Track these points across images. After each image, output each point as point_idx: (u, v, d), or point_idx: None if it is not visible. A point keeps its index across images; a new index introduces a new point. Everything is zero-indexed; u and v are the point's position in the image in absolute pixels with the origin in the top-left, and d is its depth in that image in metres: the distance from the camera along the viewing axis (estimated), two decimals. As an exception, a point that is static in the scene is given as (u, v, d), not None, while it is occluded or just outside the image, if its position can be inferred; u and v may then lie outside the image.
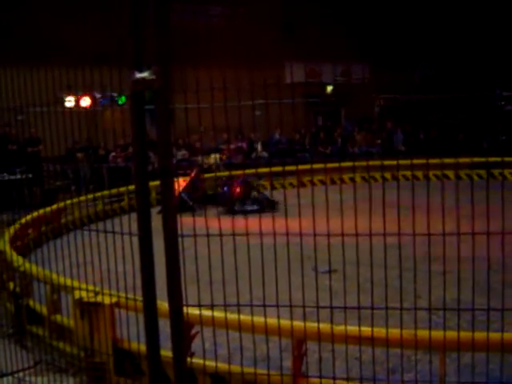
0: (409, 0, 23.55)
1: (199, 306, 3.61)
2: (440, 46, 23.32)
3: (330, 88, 25.76)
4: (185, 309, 3.19)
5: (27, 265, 6.78)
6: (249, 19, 19.62)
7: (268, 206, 13.42)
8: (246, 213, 12.14)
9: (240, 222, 3.40)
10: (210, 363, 4.19)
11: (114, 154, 18.93)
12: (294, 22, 24.08)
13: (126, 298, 4.40)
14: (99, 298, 5.33)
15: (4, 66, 4.81)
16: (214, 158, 19.48)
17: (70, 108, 5.08)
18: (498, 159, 12.49)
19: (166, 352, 3.27)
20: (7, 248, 7.89)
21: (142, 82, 2.93)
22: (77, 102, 9.81)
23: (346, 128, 26.18)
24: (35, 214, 10.29)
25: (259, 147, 21.69)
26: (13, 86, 4.70)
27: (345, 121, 28.06)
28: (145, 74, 2.94)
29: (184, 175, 15.55)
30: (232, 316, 4.02)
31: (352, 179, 15.39)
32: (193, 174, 15.58)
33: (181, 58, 3.55)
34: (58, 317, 6.40)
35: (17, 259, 7.07)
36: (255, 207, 14.39)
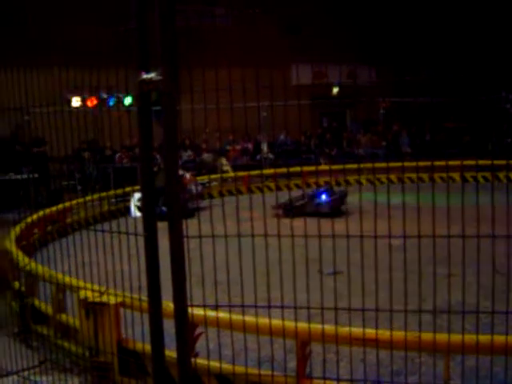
0: (416, 2, 23.51)
1: (204, 306, 3.62)
2: (447, 48, 23.29)
3: (335, 89, 25.73)
4: (190, 309, 3.20)
5: (33, 264, 6.80)
6: (255, 20, 19.61)
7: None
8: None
9: (246, 223, 3.41)
10: (215, 364, 4.20)
11: (119, 154, 18.98)
12: (300, 23, 24.09)
13: (131, 298, 4.42)
14: (104, 298, 5.34)
15: (11, 66, 4.82)
16: (223, 161, 19.42)
17: (77, 108, 5.09)
18: (504, 162, 12.45)
19: (171, 352, 3.28)
20: (13, 247, 7.91)
21: (148, 83, 2.94)
22: (83, 102, 9.82)
23: (351, 130, 26.17)
24: (41, 213, 10.31)
25: (265, 148, 21.69)
26: (20, 87, 4.71)
27: (350, 122, 28.04)
28: (152, 75, 2.95)
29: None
30: (237, 317, 4.02)
31: (357, 181, 15.41)
32: (186, 181, 14.90)
33: (187, 59, 3.56)
34: (63, 316, 6.42)
35: (22, 258, 7.10)
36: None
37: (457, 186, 3.45)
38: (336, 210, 12.27)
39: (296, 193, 14.87)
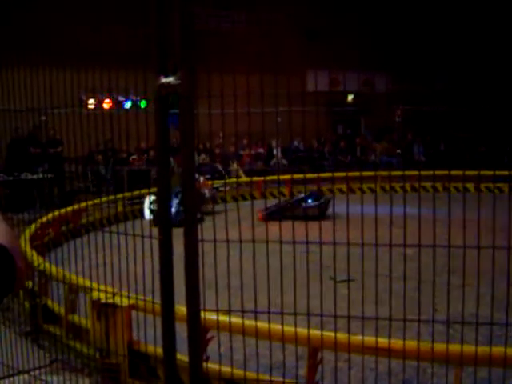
0: (432, 10, 23.47)
1: (217, 311, 3.62)
2: (462, 56, 23.23)
3: (350, 97, 25.74)
4: (202, 313, 3.20)
5: (46, 264, 6.83)
6: (273, 25, 19.66)
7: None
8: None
9: (260, 228, 3.40)
10: (226, 369, 4.19)
11: (134, 156, 19.04)
12: (318, 30, 24.12)
13: (144, 301, 4.43)
14: (116, 300, 5.35)
15: (30, 67, 4.86)
16: (235, 166, 19.47)
17: (94, 109, 5.12)
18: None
19: (181, 356, 3.28)
20: (27, 247, 7.95)
21: (167, 87, 2.95)
22: (99, 104, 9.88)
23: (366, 137, 26.13)
24: (55, 213, 10.36)
25: (279, 154, 21.69)
26: (37, 88, 4.74)
27: (364, 130, 28.00)
28: (170, 79, 2.96)
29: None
30: (249, 322, 4.02)
31: (371, 189, 15.38)
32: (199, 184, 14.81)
33: (205, 62, 3.56)
34: (75, 317, 6.44)
35: (36, 258, 7.13)
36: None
37: (472, 196, 3.43)
38: (322, 213, 13.35)
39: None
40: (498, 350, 3.79)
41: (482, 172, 4.52)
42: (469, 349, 3.67)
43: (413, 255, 3.32)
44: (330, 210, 13.82)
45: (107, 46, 4.42)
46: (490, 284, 3.50)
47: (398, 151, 23.72)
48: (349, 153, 23.90)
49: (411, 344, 3.82)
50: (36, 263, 6.92)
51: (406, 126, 24.10)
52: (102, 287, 5.27)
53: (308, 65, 18.74)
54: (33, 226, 9.39)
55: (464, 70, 23.15)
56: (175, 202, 13.42)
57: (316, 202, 14.56)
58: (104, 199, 12.38)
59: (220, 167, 19.45)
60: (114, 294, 5.33)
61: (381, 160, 22.48)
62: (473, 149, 22.12)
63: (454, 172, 4.00)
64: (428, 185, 14.53)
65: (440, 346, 3.87)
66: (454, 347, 3.85)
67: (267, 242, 3.28)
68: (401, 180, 11.53)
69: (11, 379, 5.22)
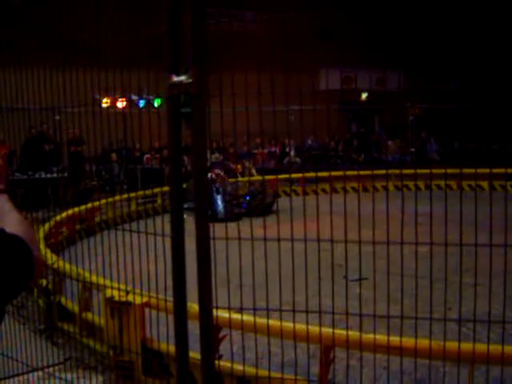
0: (446, 9, 23.34)
1: (229, 308, 3.63)
2: (477, 54, 23.09)
3: (364, 95, 25.64)
4: (214, 311, 3.21)
5: (60, 262, 6.87)
6: (284, 24, 19.63)
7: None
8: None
9: (272, 227, 3.41)
10: (238, 367, 4.20)
11: (148, 155, 19.11)
12: (330, 28, 24.04)
13: (157, 299, 4.45)
14: (130, 298, 5.38)
15: (44, 66, 4.89)
16: (247, 165, 19.54)
17: (107, 108, 5.14)
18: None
19: (194, 354, 3.30)
20: (41, 245, 8.00)
21: (179, 86, 2.96)
22: (113, 103, 9.90)
23: (379, 135, 26.06)
24: (70, 212, 10.42)
25: (292, 153, 21.66)
26: (51, 87, 4.77)
27: (378, 128, 27.92)
28: (182, 78, 2.97)
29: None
30: (261, 320, 4.03)
31: (385, 187, 15.34)
32: (221, 179, 15.25)
33: (217, 61, 3.58)
34: (89, 315, 6.48)
35: (50, 256, 7.18)
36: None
37: (485, 194, 3.42)
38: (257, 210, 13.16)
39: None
40: (510, 348, 3.77)
41: (495, 170, 4.53)
42: (481, 347, 3.67)
43: (425, 254, 3.32)
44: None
45: (120, 46, 4.44)
46: (502, 283, 3.50)
47: (412, 149, 23.62)
48: (363, 151, 23.84)
49: (423, 342, 3.81)
50: (50, 261, 6.97)
51: (421, 124, 23.99)
52: (116, 285, 5.30)
53: (321, 63, 18.69)
54: (47, 225, 9.45)
55: (482, 66, 23.01)
56: (219, 197, 13.70)
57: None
58: (117, 198, 12.45)
59: (232, 165, 19.51)
60: (127, 292, 5.36)
61: (394, 158, 22.41)
62: (487, 147, 21.99)
63: (466, 170, 3.99)
64: (442, 183, 14.45)
65: (452, 345, 3.85)
66: (467, 346, 3.84)
67: (279, 239, 3.29)
68: (414, 178, 11.50)
69: (26, 376, 5.26)
